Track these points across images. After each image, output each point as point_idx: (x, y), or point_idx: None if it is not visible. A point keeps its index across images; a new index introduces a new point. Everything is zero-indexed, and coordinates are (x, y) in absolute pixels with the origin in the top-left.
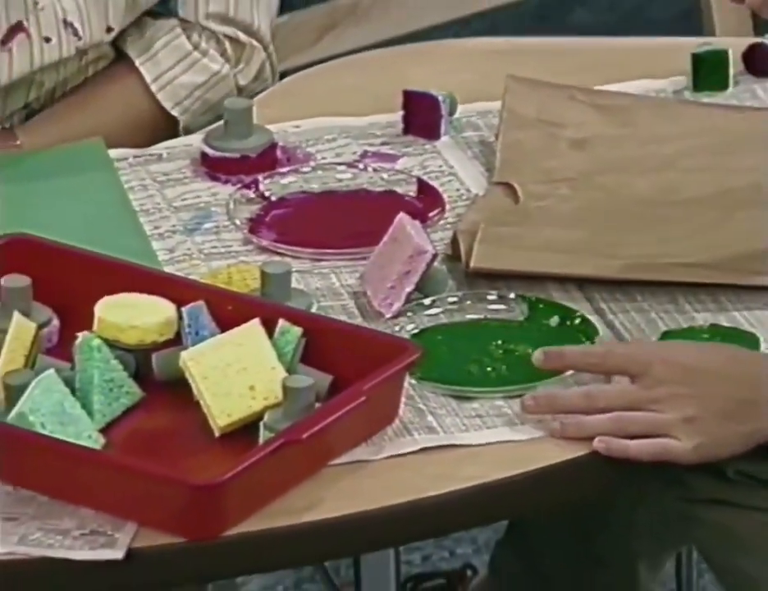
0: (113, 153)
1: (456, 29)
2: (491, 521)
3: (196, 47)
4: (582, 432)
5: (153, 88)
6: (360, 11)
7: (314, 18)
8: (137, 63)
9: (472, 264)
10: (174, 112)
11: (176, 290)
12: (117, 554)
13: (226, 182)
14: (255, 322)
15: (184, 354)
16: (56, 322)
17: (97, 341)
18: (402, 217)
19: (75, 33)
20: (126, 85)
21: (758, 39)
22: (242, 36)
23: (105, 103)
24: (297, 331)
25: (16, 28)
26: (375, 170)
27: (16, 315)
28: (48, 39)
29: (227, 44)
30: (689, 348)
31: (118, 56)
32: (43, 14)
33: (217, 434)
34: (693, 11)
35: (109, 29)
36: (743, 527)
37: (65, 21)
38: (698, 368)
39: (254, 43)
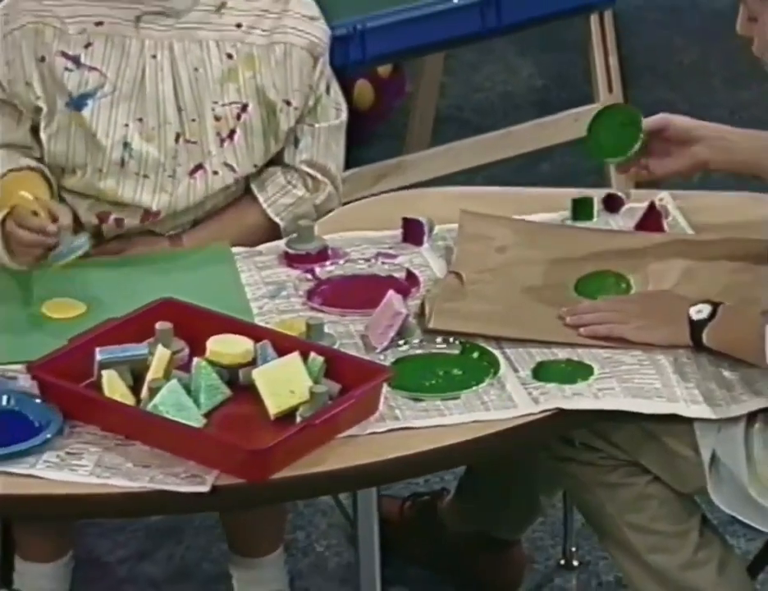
0: (234, 249)
1: (468, 176)
2: (429, 473)
3: (289, 182)
4: (580, 321)
5: (264, 205)
6: (401, 168)
7: (373, 170)
8: (255, 192)
9: (430, 326)
10: (276, 220)
11: (254, 333)
12: (206, 488)
13: (296, 268)
14: (296, 354)
15: (254, 371)
16: (186, 350)
17: (204, 363)
18: (391, 292)
19: (232, 169)
20: (249, 205)
21: (612, 190)
22: (318, 175)
23: (238, 215)
24: (321, 359)
25: (198, 167)
26: (382, 263)
27: (159, 347)
28: (215, 172)
29: (309, 180)
30: (645, 296)
31: (246, 190)
32: (214, 158)
33: (271, 418)
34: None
35: (255, 166)
36: (583, 475)
37: (225, 163)
38: (648, 303)
39: (326, 180)
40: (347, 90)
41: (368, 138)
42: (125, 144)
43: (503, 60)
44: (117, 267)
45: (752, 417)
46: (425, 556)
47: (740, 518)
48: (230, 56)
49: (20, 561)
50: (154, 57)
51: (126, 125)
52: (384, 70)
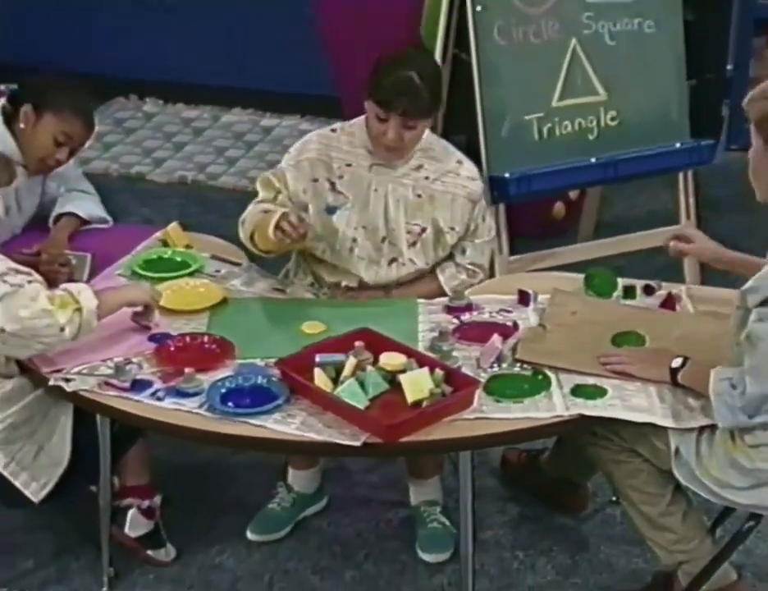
0: (418, 300)
1: (604, 261)
2: (497, 446)
3: (458, 271)
4: (607, 361)
5: (442, 282)
6: (552, 255)
7: (533, 256)
8: (438, 274)
9: (517, 357)
10: (449, 293)
11: (408, 353)
12: (359, 443)
13: (450, 314)
14: (426, 368)
15: (402, 376)
16: (370, 359)
17: (374, 369)
18: (495, 335)
19: (414, 264)
20: (433, 280)
21: (648, 282)
22: (476, 269)
23: (426, 284)
24: (442, 372)
25: (394, 259)
26: (500, 316)
27: (350, 357)
28: (404, 264)
29: (469, 271)
30: (648, 349)
31: (431, 270)
32: (405, 256)
33: (409, 405)
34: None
35: (427, 264)
36: (601, 454)
37: (411, 260)
38: (649, 354)
39: (479, 271)
40: (548, 208)
41: (563, 235)
42: (354, 239)
43: (653, 189)
44: (348, 306)
45: (702, 429)
46: (531, 487)
47: (692, 488)
48: (419, 195)
49: (290, 469)
50: (376, 190)
51: (356, 228)
52: (574, 193)
